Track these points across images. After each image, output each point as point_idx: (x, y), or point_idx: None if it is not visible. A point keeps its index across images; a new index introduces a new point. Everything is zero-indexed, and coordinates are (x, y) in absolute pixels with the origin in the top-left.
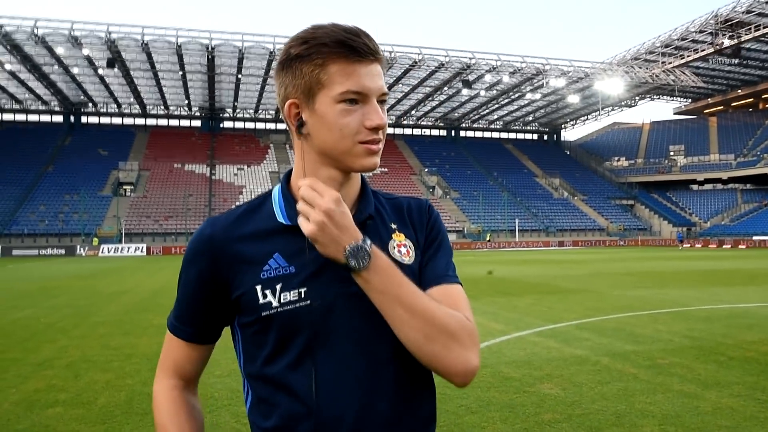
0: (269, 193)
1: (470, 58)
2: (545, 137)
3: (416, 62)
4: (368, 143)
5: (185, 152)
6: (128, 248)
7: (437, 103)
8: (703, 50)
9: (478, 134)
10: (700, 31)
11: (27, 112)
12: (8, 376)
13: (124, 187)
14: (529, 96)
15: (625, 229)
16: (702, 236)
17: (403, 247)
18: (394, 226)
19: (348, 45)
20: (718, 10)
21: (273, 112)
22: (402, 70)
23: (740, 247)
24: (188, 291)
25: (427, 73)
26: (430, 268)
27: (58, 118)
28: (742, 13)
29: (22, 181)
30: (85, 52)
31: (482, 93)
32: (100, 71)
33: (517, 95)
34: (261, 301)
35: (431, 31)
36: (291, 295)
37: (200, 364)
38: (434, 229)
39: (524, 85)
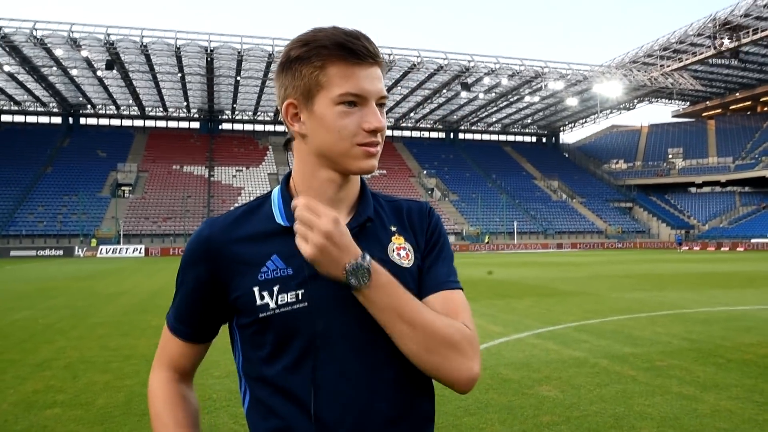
0: (269, 195)
1: (469, 61)
2: (544, 140)
3: (415, 65)
4: (366, 146)
5: (184, 154)
6: (126, 249)
7: (436, 105)
8: (702, 53)
9: (477, 137)
10: (699, 35)
11: (26, 113)
12: (6, 377)
13: (123, 188)
14: (527, 99)
15: (624, 232)
16: (700, 239)
17: (402, 250)
18: (393, 229)
19: (347, 47)
20: (716, 13)
21: (272, 114)
22: (401, 73)
23: (738, 249)
24: (186, 292)
25: (426, 75)
26: (432, 274)
27: (57, 120)
28: (741, 16)
29: (21, 182)
30: (84, 53)
31: (481, 96)
32: (99, 73)
33: (515, 98)
34: (258, 302)
35: (430, 34)
36: (288, 297)
37: (196, 360)
38: (435, 234)
39: (523, 87)
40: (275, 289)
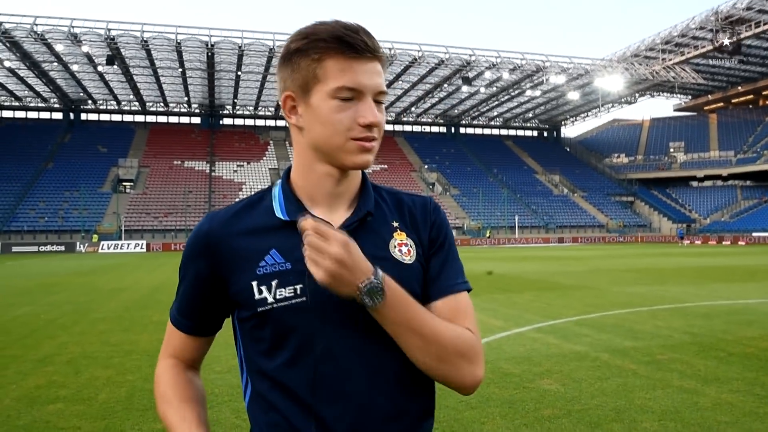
0: (269, 189)
1: (470, 55)
2: (545, 134)
3: (416, 59)
4: (361, 140)
5: (185, 149)
6: (128, 245)
7: (437, 100)
8: (704, 47)
9: (478, 131)
10: (701, 28)
11: (26, 109)
12: (8, 373)
13: (124, 183)
14: (529, 93)
15: (625, 226)
16: (701, 233)
17: (404, 246)
18: (395, 225)
19: (345, 41)
20: (718, 6)
21: (273, 109)
22: (402, 67)
23: (740, 243)
24: (187, 286)
25: (427, 70)
26: (441, 277)
27: (58, 115)
28: (743, 9)
29: (22, 177)
30: (85, 49)
31: (482, 90)
32: (100, 68)
33: (517, 92)
34: (257, 296)
35: (431, 30)
36: (287, 292)
37: (200, 353)
38: (441, 232)
39: (524, 81)
40: (273, 283)
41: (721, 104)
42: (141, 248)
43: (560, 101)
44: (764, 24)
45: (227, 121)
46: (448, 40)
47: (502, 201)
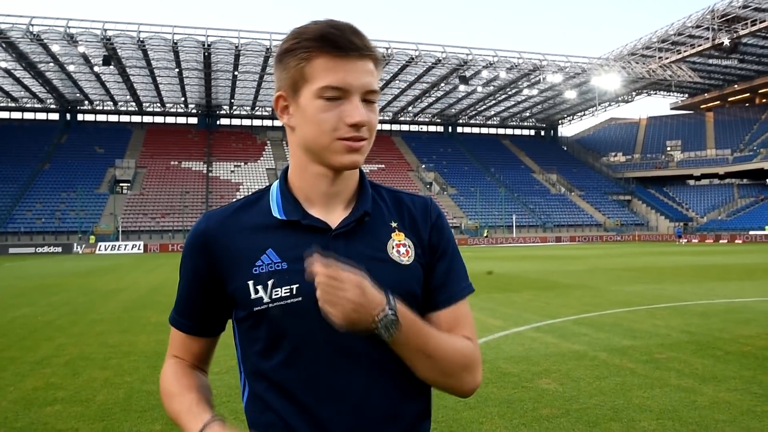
0: (267, 189)
1: (467, 54)
2: (542, 133)
3: (413, 58)
4: (348, 140)
5: (182, 149)
6: (125, 246)
7: (434, 99)
8: (700, 45)
9: (475, 130)
10: (697, 26)
11: (23, 110)
12: (6, 375)
13: (121, 184)
14: (526, 92)
15: (622, 225)
16: (698, 231)
17: (402, 247)
18: (393, 225)
19: (330, 40)
20: (714, 5)
21: (270, 109)
22: (399, 67)
23: (737, 242)
24: (186, 285)
25: (424, 69)
26: (447, 285)
27: (54, 116)
28: (739, 8)
29: (19, 178)
30: (81, 49)
31: (479, 89)
32: (96, 69)
33: (514, 91)
34: (253, 296)
35: (428, 30)
36: (282, 291)
37: (203, 353)
38: (442, 235)
39: (521, 80)
40: (269, 283)
41: (717, 102)
42: (138, 249)
43: (557, 100)
44: (760, 22)
45: (224, 121)
46: (445, 39)
47: (500, 200)
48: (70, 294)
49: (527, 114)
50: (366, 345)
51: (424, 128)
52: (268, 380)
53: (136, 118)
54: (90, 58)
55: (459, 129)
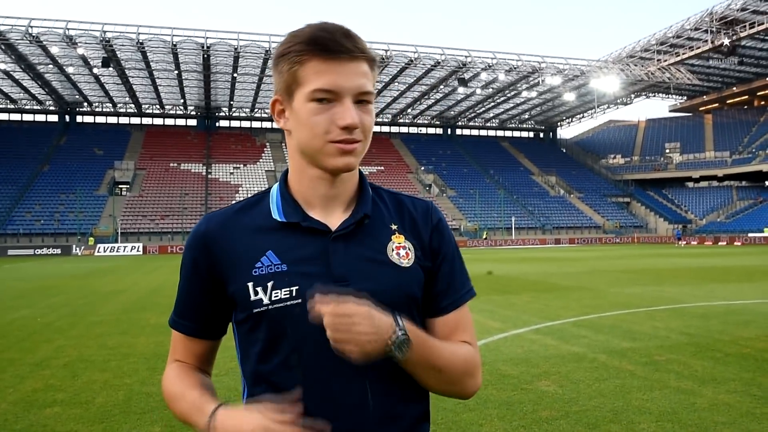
0: (268, 191)
1: (466, 56)
2: (541, 135)
3: (412, 61)
4: (340, 143)
5: (181, 151)
6: (124, 247)
7: (433, 101)
8: (699, 48)
9: (474, 132)
10: (696, 29)
11: (22, 111)
12: (6, 377)
13: (120, 186)
14: (525, 94)
15: (621, 227)
16: (697, 233)
17: (402, 249)
18: (394, 227)
19: (321, 43)
20: (713, 7)
21: (269, 111)
22: (398, 69)
23: (736, 244)
24: (186, 287)
25: (423, 71)
26: (450, 290)
27: (54, 118)
28: (737, 10)
29: (18, 180)
30: (80, 51)
31: (478, 91)
32: (95, 70)
33: (513, 93)
34: (253, 298)
35: (427, 32)
36: (282, 293)
37: (205, 357)
38: (444, 239)
39: (520, 83)
40: (269, 284)
41: (716, 105)
42: (137, 251)
43: (556, 102)
44: (759, 25)
45: (223, 123)
46: (444, 41)
47: (499, 202)
48: (69, 296)
49: (526, 116)
50: None
51: (424, 130)
52: (267, 382)
53: (136, 120)
54: (89, 60)
55: (458, 131)
